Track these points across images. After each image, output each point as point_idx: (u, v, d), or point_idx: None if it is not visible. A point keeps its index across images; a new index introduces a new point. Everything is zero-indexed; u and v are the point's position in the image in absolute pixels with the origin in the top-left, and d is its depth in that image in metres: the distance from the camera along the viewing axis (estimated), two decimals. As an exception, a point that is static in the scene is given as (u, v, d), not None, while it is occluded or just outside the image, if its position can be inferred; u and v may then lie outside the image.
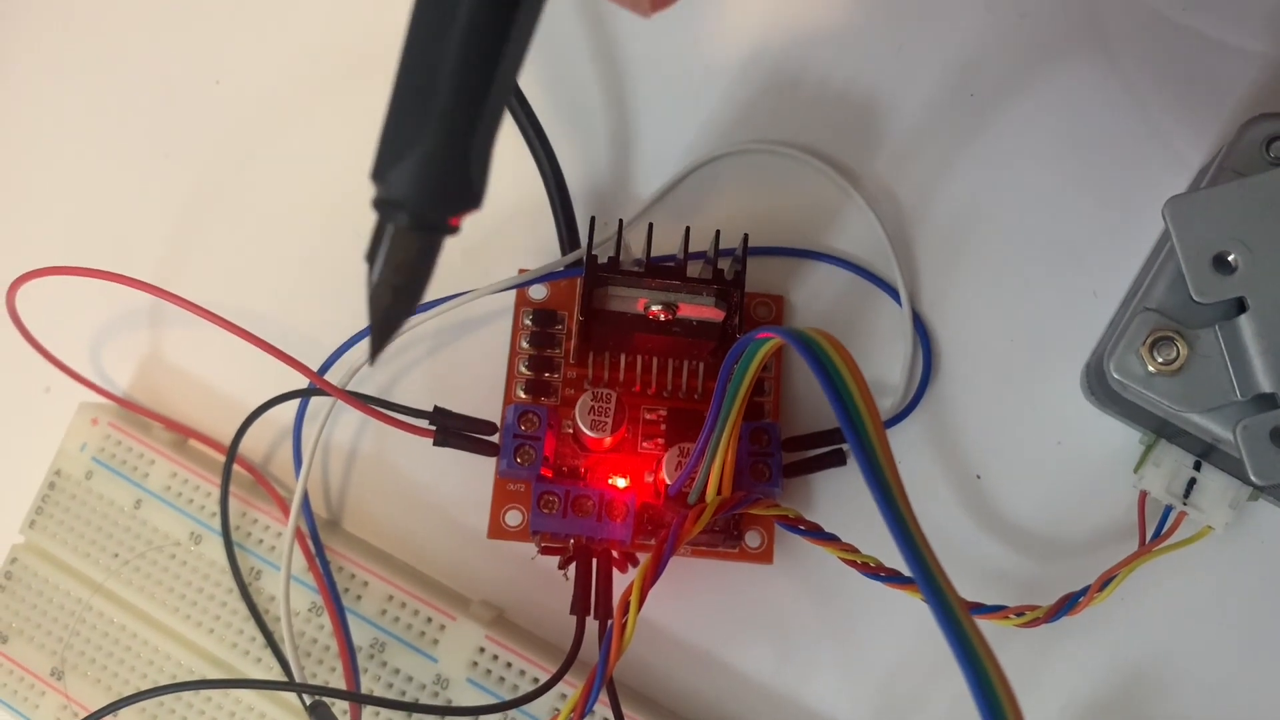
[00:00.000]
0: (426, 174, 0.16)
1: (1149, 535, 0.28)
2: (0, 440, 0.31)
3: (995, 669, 0.15)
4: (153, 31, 0.33)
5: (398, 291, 0.17)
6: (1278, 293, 0.24)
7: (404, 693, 0.28)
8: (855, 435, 0.17)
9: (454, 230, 0.17)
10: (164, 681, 0.28)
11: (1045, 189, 0.31)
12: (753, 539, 0.28)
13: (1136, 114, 0.31)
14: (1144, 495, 0.28)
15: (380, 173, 0.16)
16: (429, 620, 0.28)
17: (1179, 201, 0.25)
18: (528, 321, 0.29)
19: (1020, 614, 0.26)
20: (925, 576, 0.16)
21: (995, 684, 0.15)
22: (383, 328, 0.18)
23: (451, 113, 0.16)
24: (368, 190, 0.33)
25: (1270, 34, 0.31)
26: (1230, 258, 0.24)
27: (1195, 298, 0.24)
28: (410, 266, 0.17)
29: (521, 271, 0.30)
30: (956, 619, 0.16)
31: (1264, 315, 0.24)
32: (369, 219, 0.31)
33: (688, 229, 0.28)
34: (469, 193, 0.17)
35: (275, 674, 0.28)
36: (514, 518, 0.28)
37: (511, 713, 0.27)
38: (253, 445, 0.30)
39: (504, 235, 0.31)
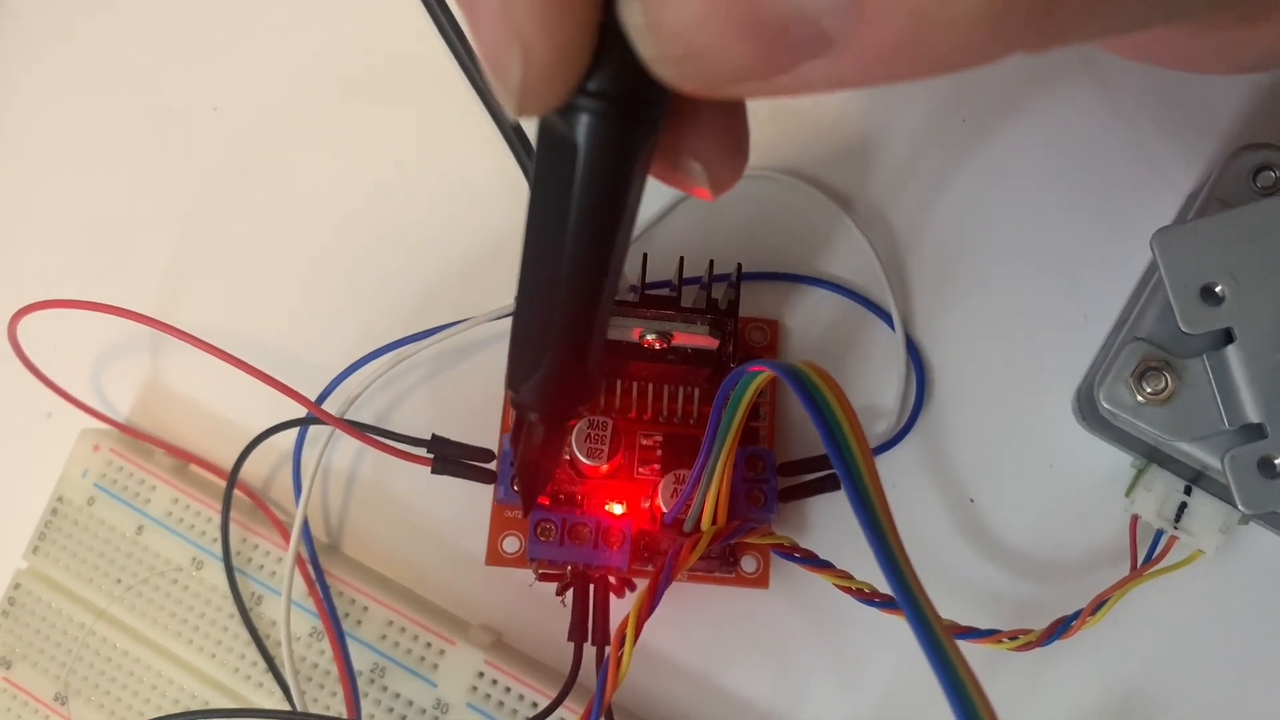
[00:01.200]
0: (550, 390, 0.20)
1: (1141, 559, 0.28)
2: (3, 467, 0.32)
3: (980, 696, 0.16)
4: (150, 59, 0.34)
5: (537, 465, 0.22)
6: (1264, 324, 0.24)
7: (404, 717, 0.28)
8: (845, 469, 0.18)
9: (578, 415, 0.24)
10: (167, 706, 0.29)
11: (1037, 213, 0.31)
12: (748, 564, 0.28)
13: (1127, 138, 0.31)
14: (1135, 519, 0.28)
15: (514, 385, 0.20)
16: (429, 645, 0.28)
17: (1167, 233, 0.25)
18: (525, 348, 0.30)
19: (1013, 638, 0.27)
20: (911, 605, 0.16)
21: (979, 710, 0.15)
22: (529, 492, 0.23)
23: (565, 339, 0.19)
24: (365, 212, 0.33)
25: (1260, 59, 0.31)
26: (1218, 289, 0.24)
27: (1183, 329, 0.24)
28: (543, 448, 0.22)
29: (518, 298, 0.30)
30: (940, 646, 0.16)
31: (1251, 346, 0.24)
32: (368, 244, 0.32)
33: (681, 259, 0.28)
34: (586, 394, 0.21)
35: (277, 698, 0.28)
36: (512, 544, 0.28)
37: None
38: (253, 471, 0.31)
39: (501, 262, 0.31)
